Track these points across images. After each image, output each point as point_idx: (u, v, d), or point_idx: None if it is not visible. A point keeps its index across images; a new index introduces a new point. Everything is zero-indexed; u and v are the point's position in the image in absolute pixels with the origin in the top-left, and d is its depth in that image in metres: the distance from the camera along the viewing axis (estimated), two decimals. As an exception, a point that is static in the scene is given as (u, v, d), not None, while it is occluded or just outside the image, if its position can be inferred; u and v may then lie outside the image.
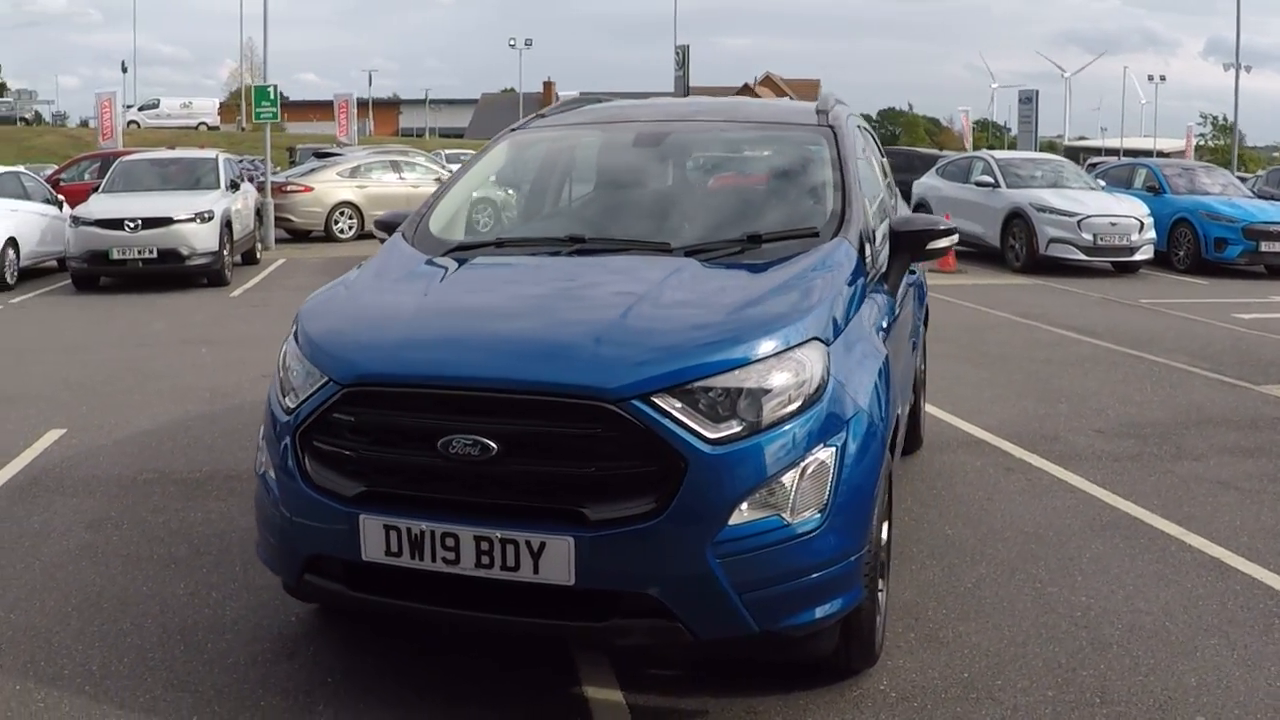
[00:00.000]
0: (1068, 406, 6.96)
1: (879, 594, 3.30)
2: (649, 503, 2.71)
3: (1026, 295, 12.49)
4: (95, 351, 8.76)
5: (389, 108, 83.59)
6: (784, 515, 2.80)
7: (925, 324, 5.96)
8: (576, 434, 2.74)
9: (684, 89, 47.24)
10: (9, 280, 12.97)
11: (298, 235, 19.42)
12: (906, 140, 76.01)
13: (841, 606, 2.93)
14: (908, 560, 4.25)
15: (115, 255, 12.74)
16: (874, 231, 3.82)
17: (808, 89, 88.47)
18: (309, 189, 19.43)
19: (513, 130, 4.71)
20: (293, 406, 3.04)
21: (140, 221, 12.80)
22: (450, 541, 2.77)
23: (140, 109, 55.19)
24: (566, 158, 4.58)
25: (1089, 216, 14.25)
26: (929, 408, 6.75)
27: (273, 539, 3.14)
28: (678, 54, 46.16)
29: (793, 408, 2.85)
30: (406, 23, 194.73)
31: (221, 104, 62.22)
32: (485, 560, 2.76)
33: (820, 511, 2.84)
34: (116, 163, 15.86)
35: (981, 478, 5.40)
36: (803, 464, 2.82)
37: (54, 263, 14.29)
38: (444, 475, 2.81)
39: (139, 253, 12.79)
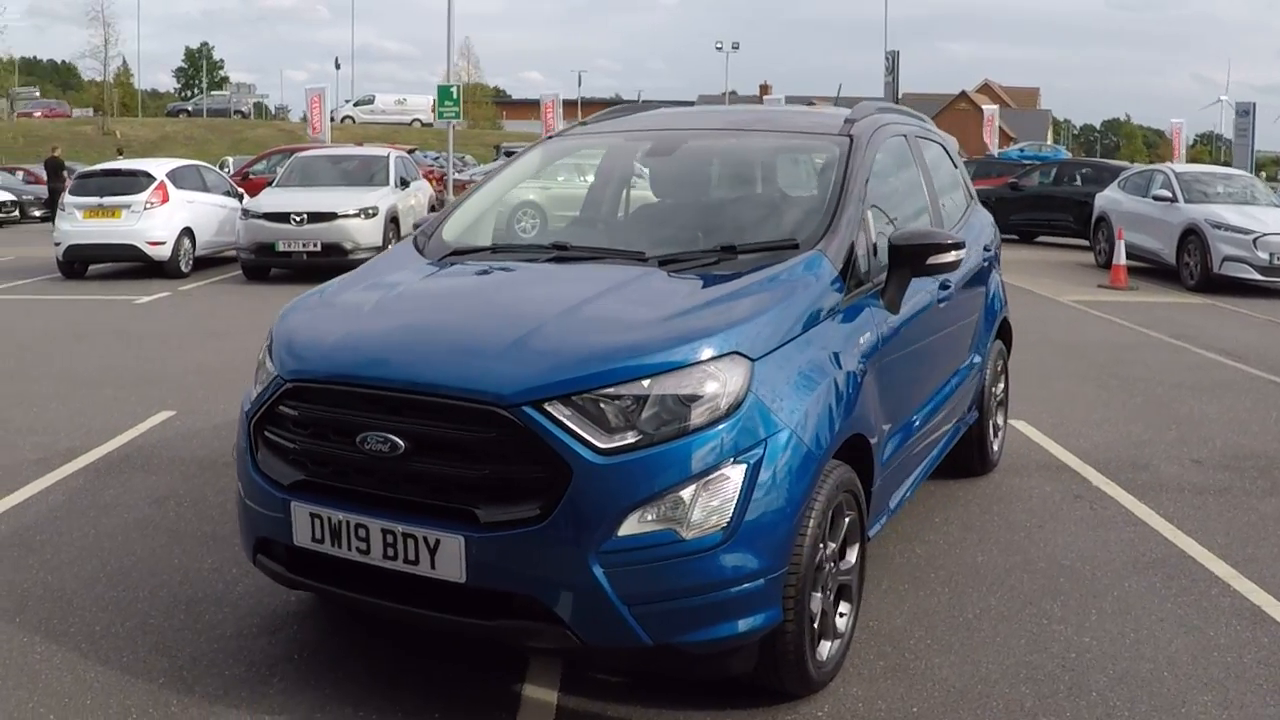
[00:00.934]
0: (1176, 433, 6.50)
1: (823, 617, 3.23)
2: (535, 508, 2.78)
3: (1188, 315, 11.67)
4: (235, 339, 9.48)
5: (600, 108, 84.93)
6: (678, 529, 2.79)
7: (1004, 338, 5.71)
8: (473, 437, 2.85)
9: (893, 95, 46.70)
10: (183, 269, 14.20)
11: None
12: (1125, 153, 72.06)
13: (752, 627, 2.91)
14: (918, 585, 4.13)
15: (281, 247, 13.67)
16: (874, 245, 3.73)
17: (1026, 97, 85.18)
18: None
19: (548, 138, 4.87)
20: (253, 397, 3.30)
21: (305, 216, 13.69)
22: (362, 532, 2.94)
23: (356, 104, 58.50)
24: (588, 166, 4.68)
25: (1266, 234, 13.16)
26: (1023, 427, 6.49)
27: (238, 520, 3.40)
28: (887, 59, 46.00)
29: (698, 421, 2.84)
30: (631, 24, 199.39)
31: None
32: (390, 552, 2.91)
33: (723, 529, 2.82)
34: (293, 158, 17.00)
35: (1043, 504, 5.14)
36: (705, 479, 2.81)
37: (232, 253, 15.55)
38: (362, 469, 2.99)
39: (303, 245, 13.65)
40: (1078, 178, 20.72)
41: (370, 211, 14.01)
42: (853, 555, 3.44)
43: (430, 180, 19.80)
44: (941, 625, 3.78)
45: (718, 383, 2.90)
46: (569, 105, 52.96)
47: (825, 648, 3.28)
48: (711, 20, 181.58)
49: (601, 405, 2.83)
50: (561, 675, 3.37)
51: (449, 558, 2.83)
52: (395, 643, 3.59)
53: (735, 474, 2.85)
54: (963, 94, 70.18)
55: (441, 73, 66.04)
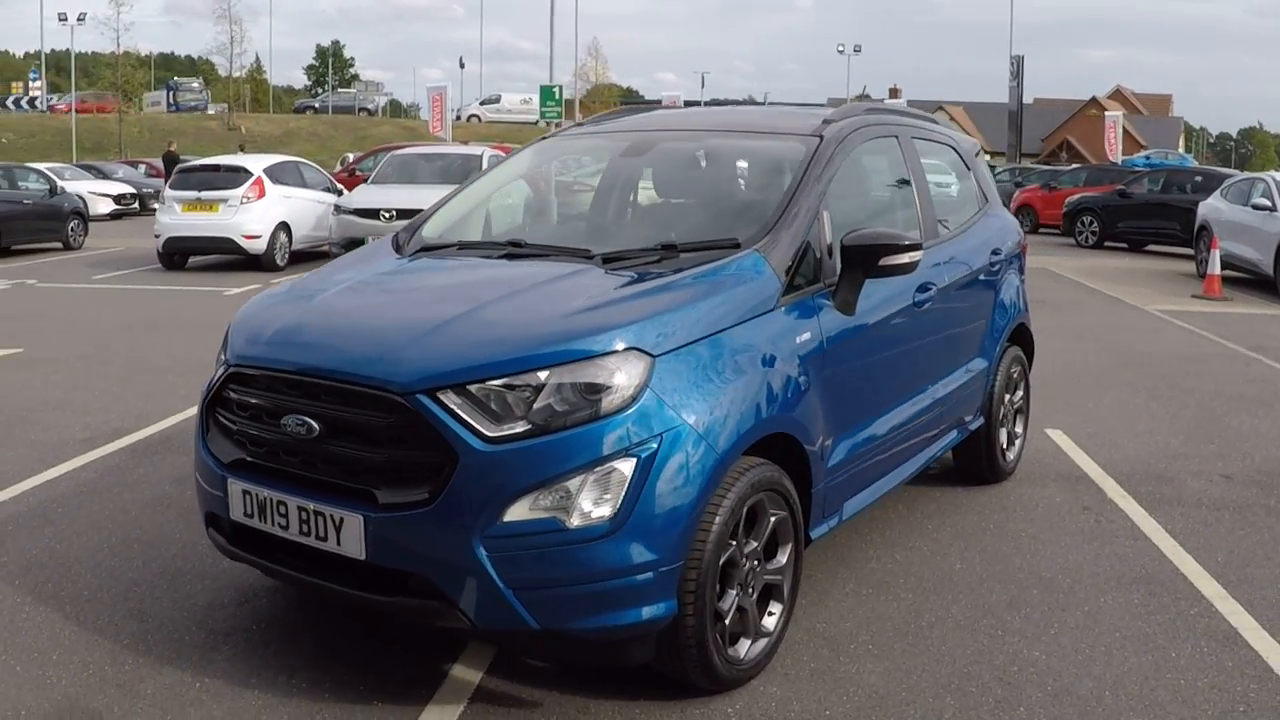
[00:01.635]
0: (1216, 447, 6.21)
1: (741, 614, 3.25)
2: (425, 491, 2.89)
3: (1275, 328, 11.06)
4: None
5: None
6: (563, 518, 2.86)
7: (1023, 345, 5.57)
8: (374, 422, 2.98)
9: (1018, 100, 45.76)
10: (279, 262, 14.83)
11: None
12: (1257, 162, 68.71)
13: (643, 618, 2.95)
14: (882, 590, 4.09)
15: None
16: (829, 246, 3.71)
17: (1159, 104, 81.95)
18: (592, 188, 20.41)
19: (542, 139, 4.97)
20: (209, 380, 3.50)
21: (394, 212, 14.12)
22: (282, 509, 3.12)
23: (482, 103, 59.83)
24: (574, 166, 4.77)
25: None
26: (1056, 436, 6.32)
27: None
28: (1012, 63, 45.31)
29: (590, 414, 2.91)
30: (765, 26, 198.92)
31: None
32: (305, 529, 3.08)
33: (609, 520, 2.87)
34: (390, 155, 17.55)
35: (1046, 515, 5.00)
36: (594, 470, 2.87)
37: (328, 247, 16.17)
38: (287, 450, 3.16)
39: (390, 241, 14.16)
40: (1188, 186, 19.82)
41: (458, 209, 14.35)
42: (784, 556, 3.45)
43: (539, 180, 20.03)
44: (890, 632, 3.74)
45: (613, 377, 2.95)
46: (691, 106, 52.88)
47: (744, 646, 3.29)
48: (845, 23, 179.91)
49: (494, 395, 2.92)
50: (492, 659, 3.48)
51: (352, 535, 2.97)
52: (349, 622, 3.75)
53: (625, 467, 2.90)
54: (1093, 100, 68.13)
55: (573, 70, 66.75)
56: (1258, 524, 4.92)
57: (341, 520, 2.99)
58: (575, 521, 2.87)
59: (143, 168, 31.29)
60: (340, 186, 17.39)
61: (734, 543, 3.19)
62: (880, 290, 3.99)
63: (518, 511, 2.87)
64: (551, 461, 2.87)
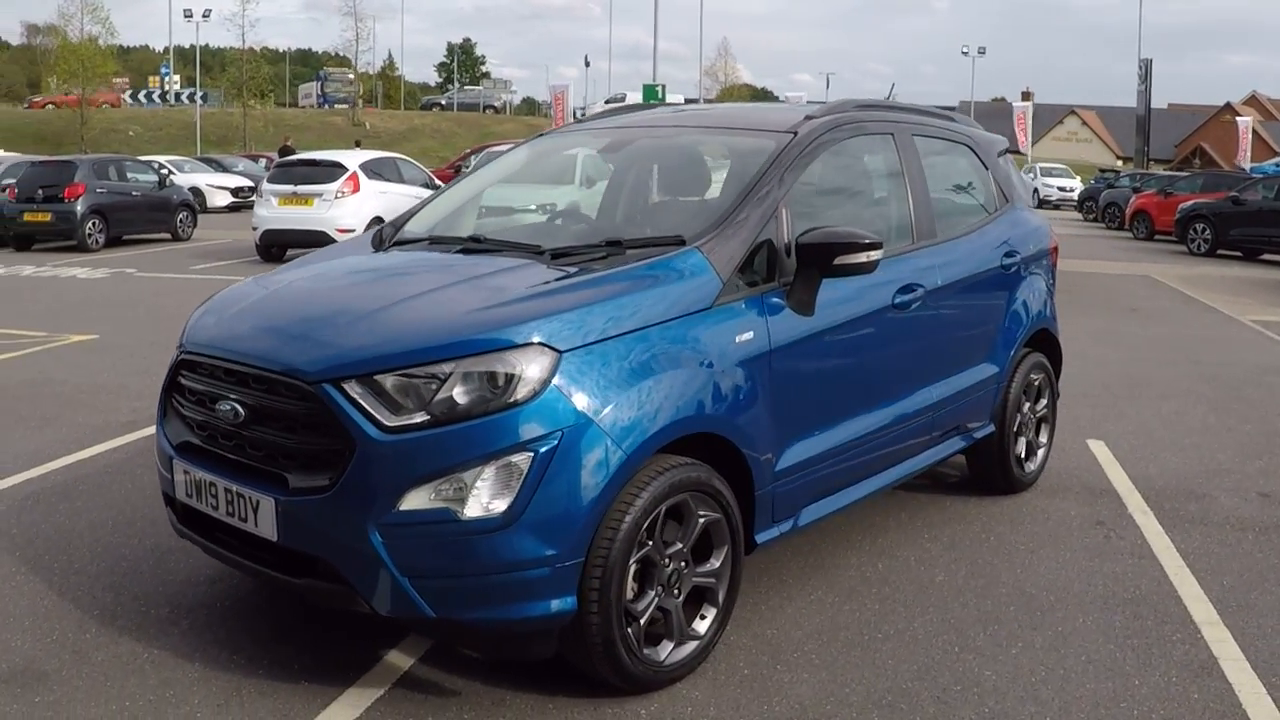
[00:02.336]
0: (1263, 463, 5.82)
1: (664, 615, 3.20)
2: (328, 477, 2.93)
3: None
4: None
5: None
6: (458, 509, 2.86)
7: (1047, 351, 5.32)
8: (289, 409, 3.03)
9: (1145, 104, 44.20)
10: (369, 255, 15.24)
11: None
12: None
13: (541, 613, 2.93)
14: (850, 598, 3.95)
15: (454, 237, 14.48)
16: (787, 245, 3.60)
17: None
18: None
19: (540, 135, 4.97)
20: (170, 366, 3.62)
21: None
22: (214, 490, 3.20)
23: (607, 102, 60.40)
24: (566, 161, 4.75)
25: None
26: (1096, 446, 6.05)
27: None
28: (1141, 67, 44.23)
29: (490, 407, 2.89)
30: (902, 27, 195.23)
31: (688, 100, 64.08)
32: (230, 509, 3.15)
33: (503, 513, 2.86)
34: (483, 153, 17.94)
35: (1053, 529, 4.76)
36: (490, 463, 2.86)
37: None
38: (221, 434, 3.24)
39: (473, 236, 14.43)
40: (1306, 193, 18.67)
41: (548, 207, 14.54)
42: (718, 559, 3.37)
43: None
44: (840, 642, 3.61)
45: (515, 371, 2.93)
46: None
47: (666, 648, 3.22)
48: (981, 25, 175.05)
49: (398, 385, 2.94)
50: (428, 648, 3.49)
51: (266, 517, 3.04)
52: (307, 608, 3.79)
53: (523, 461, 2.87)
54: (1227, 106, 64.90)
55: (710, 71, 66.41)
56: (1279, 546, 4.59)
57: (258, 503, 3.05)
58: (470, 513, 2.86)
59: (263, 161, 32.62)
60: (440, 182, 17.79)
61: (650, 542, 3.13)
62: (850, 290, 3.86)
63: (414, 500, 2.88)
64: (448, 452, 2.87)
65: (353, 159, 15.89)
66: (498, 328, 3.01)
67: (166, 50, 65.39)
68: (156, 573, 4.09)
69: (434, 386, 2.93)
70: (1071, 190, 37.50)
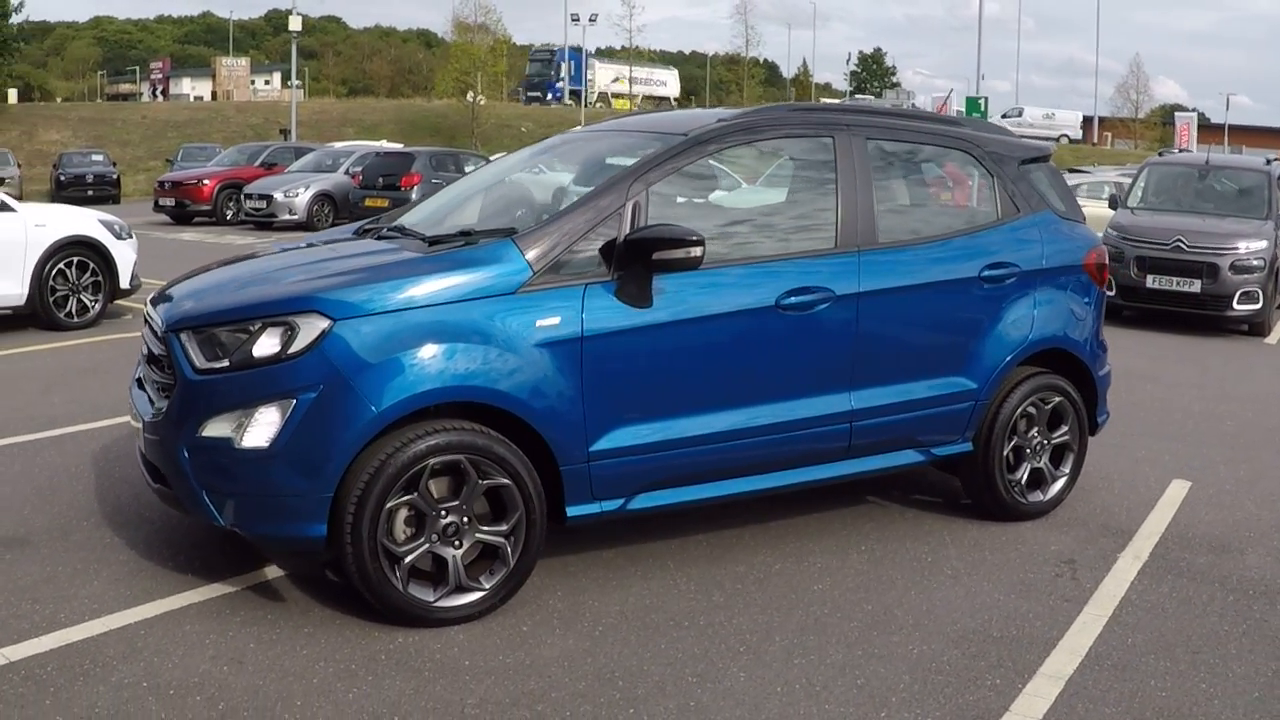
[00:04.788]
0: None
1: (440, 562, 3.51)
2: (166, 404, 3.58)
3: None
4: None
5: (1245, 134, 69.75)
6: (236, 438, 3.37)
7: (1068, 373, 4.82)
8: (159, 353, 3.72)
9: None
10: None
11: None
12: None
13: (302, 534, 3.40)
14: (703, 586, 3.91)
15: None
16: (620, 241, 3.70)
17: None
18: None
19: (546, 140, 5.32)
20: None
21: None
22: (133, 412, 3.95)
23: (1003, 116, 57.75)
24: (524, 162, 5.05)
25: None
26: (1176, 485, 5.36)
27: None
28: None
29: (270, 358, 3.38)
30: None
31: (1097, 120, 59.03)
32: (135, 424, 3.90)
33: (269, 446, 3.33)
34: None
35: (1010, 561, 4.28)
36: (265, 405, 3.35)
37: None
38: (145, 374, 3.99)
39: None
40: None
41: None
42: (509, 523, 3.57)
43: None
44: (636, 623, 3.62)
45: (295, 331, 3.38)
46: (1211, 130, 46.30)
47: (438, 592, 3.49)
48: None
49: (216, 337, 3.50)
50: (287, 573, 3.93)
51: (142, 436, 3.77)
52: (224, 546, 4.12)
53: (288, 405, 3.34)
54: None
55: (1122, 89, 61.80)
56: (1246, 614, 3.89)
57: (140, 426, 3.78)
58: (245, 443, 3.37)
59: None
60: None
61: (414, 494, 3.43)
62: (712, 286, 3.86)
63: (211, 429, 3.43)
64: (237, 392, 3.40)
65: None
66: (293, 296, 3.49)
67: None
68: (146, 536, 4.30)
69: (242, 339, 3.45)
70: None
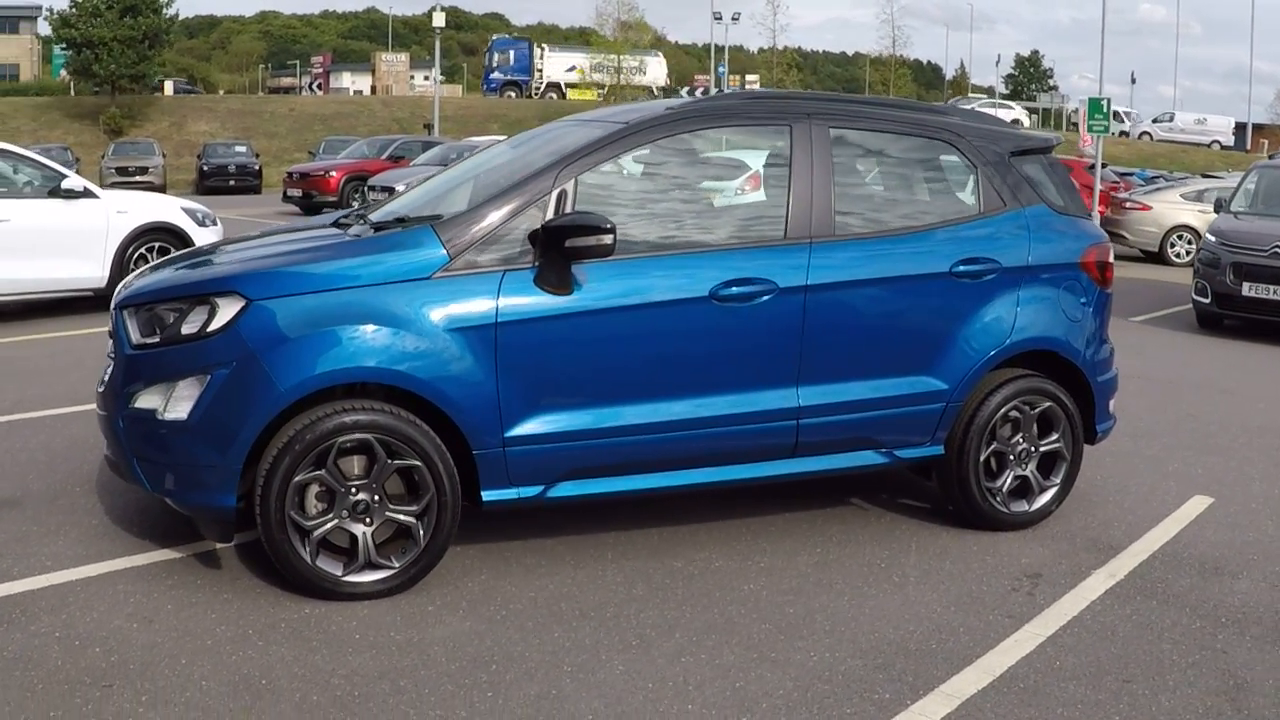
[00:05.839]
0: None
1: (347, 537, 3.62)
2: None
3: None
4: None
5: None
6: (160, 410, 3.55)
7: (1062, 380, 4.57)
8: (114, 329, 3.92)
9: None
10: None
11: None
12: None
13: (216, 504, 3.57)
14: (626, 578, 3.88)
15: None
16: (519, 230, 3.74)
17: None
18: (1147, 207, 17.77)
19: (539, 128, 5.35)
20: None
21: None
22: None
23: (1154, 121, 54.94)
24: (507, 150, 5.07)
25: None
26: (1193, 502, 5.01)
27: None
28: None
29: (192, 334, 3.54)
30: None
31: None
32: None
33: (185, 419, 3.49)
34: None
35: (966, 572, 4.05)
36: (184, 379, 3.52)
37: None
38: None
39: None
40: None
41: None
42: (420, 504, 3.63)
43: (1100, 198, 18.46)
44: (543, 612, 3.63)
45: (214, 310, 3.53)
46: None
47: (345, 567, 3.59)
48: None
49: (150, 314, 3.69)
50: (235, 543, 4.05)
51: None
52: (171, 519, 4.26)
53: (203, 380, 3.50)
54: None
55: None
56: (1202, 643, 3.59)
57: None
58: (167, 415, 3.54)
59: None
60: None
61: (323, 470, 3.53)
62: (641, 275, 3.83)
63: (141, 400, 3.61)
64: (165, 367, 3.58)
65: (757, 159, 16.31)
66: (216, 277, 3.66)
67: (706, 49, 70.91)
68: (137, 513, 4.45)
69: (174, 317, 3.62)
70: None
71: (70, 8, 38.25)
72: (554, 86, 52.70)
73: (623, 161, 4.00)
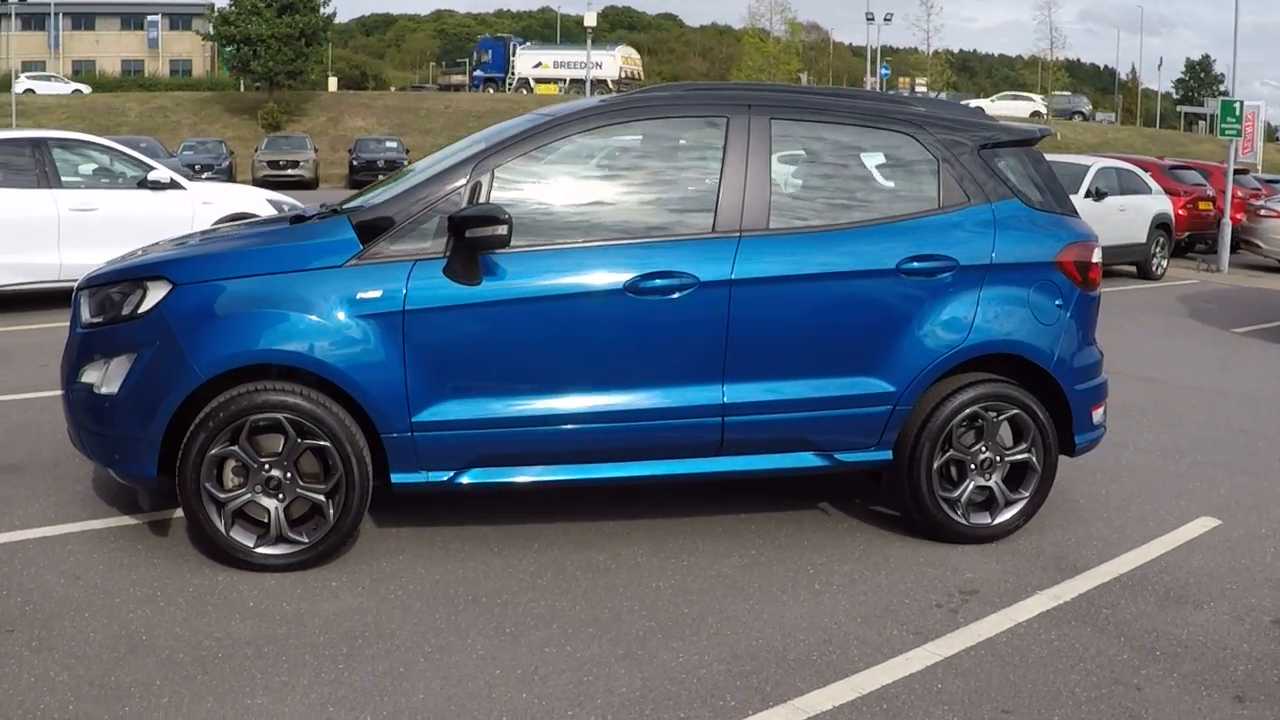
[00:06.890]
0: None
1: (263, 510, 3.82)
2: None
3: None
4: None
5: None
6: (96, 384, 3.82)
7: (1033, 388, 4.34)
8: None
9: None
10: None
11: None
12: None
13: (142, 473, 3.81)
14: (528, 570, 3.92)
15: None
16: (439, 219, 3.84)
17: None
18: None
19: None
20: None
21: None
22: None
23: None
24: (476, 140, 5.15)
25: None
26: (1197, 523, 4.68)
27: None
28: None
29: (126, 315, 3.81)
30: None
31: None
32: None
33: (115, 394, 3.75)
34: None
35: (894, 588, 3.85)
36: (117, 356, 3.79)
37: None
38: None
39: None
40: None
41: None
42: (329, 483, 3.78)
43: (1196, 200, 17.31)
44: (425, 597, 3.74)
45: (144, 293, 3.79)
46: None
47: (258, 540, 3.79)
48: None
49: (99, 296, 3.96)
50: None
51: None
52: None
53: (129, 359, 3.75)
54: None
55: None
56: (1118, 676, 3.34)
57: None
58: (101, 389, 3.80)
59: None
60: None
61: (236, 446, 3.72)
62: (553, 266, 3.86)
63: (84, 375, 3.89)
64: (103, 344, 3.86)
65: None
66: (150, 263, 3.91)
67: (860, 50, 69.03)
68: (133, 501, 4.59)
69: (118, 299, 3.89)
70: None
71: (230, 6, 40.26)
72: (524, 82, 56.23)
73: (554, 154, 4.03)
